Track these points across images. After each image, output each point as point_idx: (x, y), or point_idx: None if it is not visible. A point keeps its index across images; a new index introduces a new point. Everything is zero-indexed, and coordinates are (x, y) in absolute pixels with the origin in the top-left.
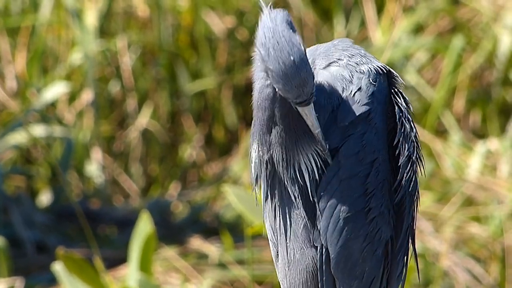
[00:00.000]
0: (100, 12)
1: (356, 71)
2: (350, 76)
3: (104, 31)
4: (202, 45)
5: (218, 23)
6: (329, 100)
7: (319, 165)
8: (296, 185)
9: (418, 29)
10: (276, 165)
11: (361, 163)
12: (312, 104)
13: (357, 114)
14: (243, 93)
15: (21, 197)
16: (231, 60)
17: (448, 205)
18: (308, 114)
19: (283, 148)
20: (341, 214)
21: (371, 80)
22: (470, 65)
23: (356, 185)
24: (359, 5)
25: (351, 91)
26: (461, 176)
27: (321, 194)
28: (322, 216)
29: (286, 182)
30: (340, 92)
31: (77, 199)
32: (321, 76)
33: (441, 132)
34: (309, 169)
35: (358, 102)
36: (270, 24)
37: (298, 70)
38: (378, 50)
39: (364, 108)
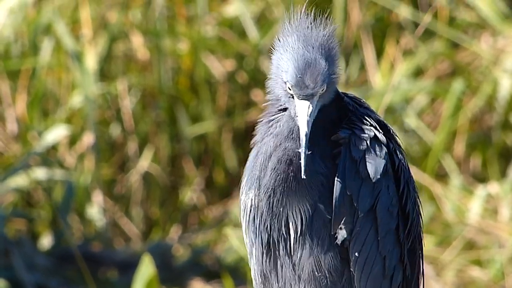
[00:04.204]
0: (100, 55)
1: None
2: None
3: (104, 74)
4: (202, 88)
5: (218, 67)
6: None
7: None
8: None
9: (418, 73)
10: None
11: (392, 216)
12: (312, 101)
13: (382, 168)
14: (243, 136)
15: (22, 240)
16: (231, 103)
17: (449, 249)
18: (303, 111)
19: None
20: (384, 270)
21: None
22: (470, 108)
23: (390, 238)
24: (358, 48)
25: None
26: (461, 219)
27: (356, 254)
28: (357, 272)
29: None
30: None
31: (78, 242)
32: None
33: (441, 176)
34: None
35: (380, 156)
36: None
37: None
38: (378, 93)
39: (384, 161)
